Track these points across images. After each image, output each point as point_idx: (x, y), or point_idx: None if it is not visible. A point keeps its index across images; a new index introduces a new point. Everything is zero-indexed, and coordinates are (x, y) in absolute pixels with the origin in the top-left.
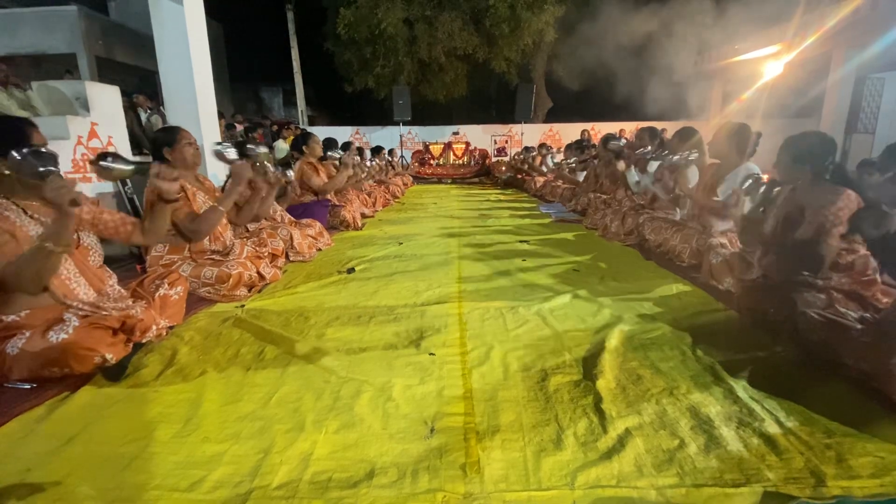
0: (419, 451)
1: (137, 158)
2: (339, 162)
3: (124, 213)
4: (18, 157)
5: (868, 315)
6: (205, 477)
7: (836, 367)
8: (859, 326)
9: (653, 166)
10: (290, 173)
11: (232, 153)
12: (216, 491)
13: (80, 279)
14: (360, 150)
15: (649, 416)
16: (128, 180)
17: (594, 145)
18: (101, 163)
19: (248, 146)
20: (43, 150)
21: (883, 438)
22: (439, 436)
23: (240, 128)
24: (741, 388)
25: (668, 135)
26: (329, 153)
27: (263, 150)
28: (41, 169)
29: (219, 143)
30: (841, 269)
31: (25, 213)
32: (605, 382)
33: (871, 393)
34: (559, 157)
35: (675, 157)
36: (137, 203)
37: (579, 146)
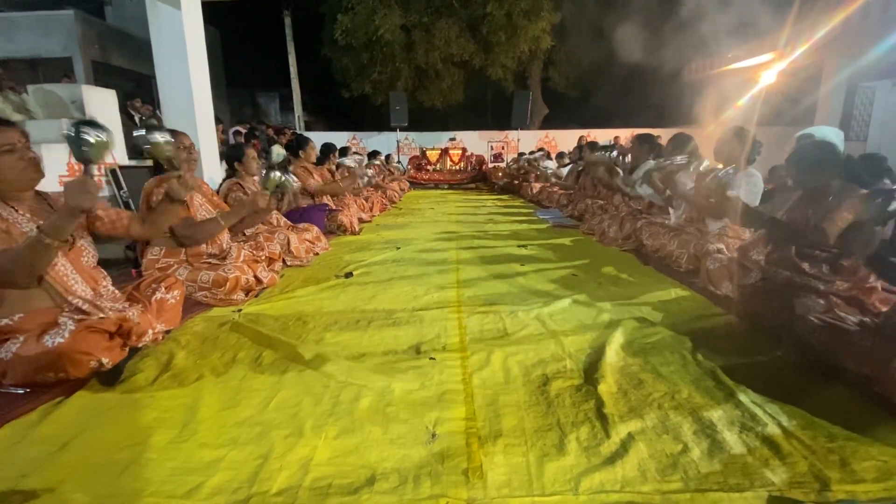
0: (421, 456)
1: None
2: (345, 169)
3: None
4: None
5: (867, 320)
6: (202, 483)
7: (837, 371)
8: (858, 330)
9: (639, 171)
10: (297, 185)
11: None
12: (214, 497)
13: (76, 276)
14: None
15: (651, 420)
16: (123, 183)
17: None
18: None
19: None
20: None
21: (885, 442)
22: (441, 441)
23: (240, 137)
24: (742, 392)
25: (662, 141)
26: (339, 161)
27: (294, 180)
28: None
29: (267, 165)
30: (844, 273)
31: (17, 211)
32: (607, 387)
33: (872, 397)
34: (547, 163)
35: (665, 162)
36: (133, 207)
37: (580, 151)
